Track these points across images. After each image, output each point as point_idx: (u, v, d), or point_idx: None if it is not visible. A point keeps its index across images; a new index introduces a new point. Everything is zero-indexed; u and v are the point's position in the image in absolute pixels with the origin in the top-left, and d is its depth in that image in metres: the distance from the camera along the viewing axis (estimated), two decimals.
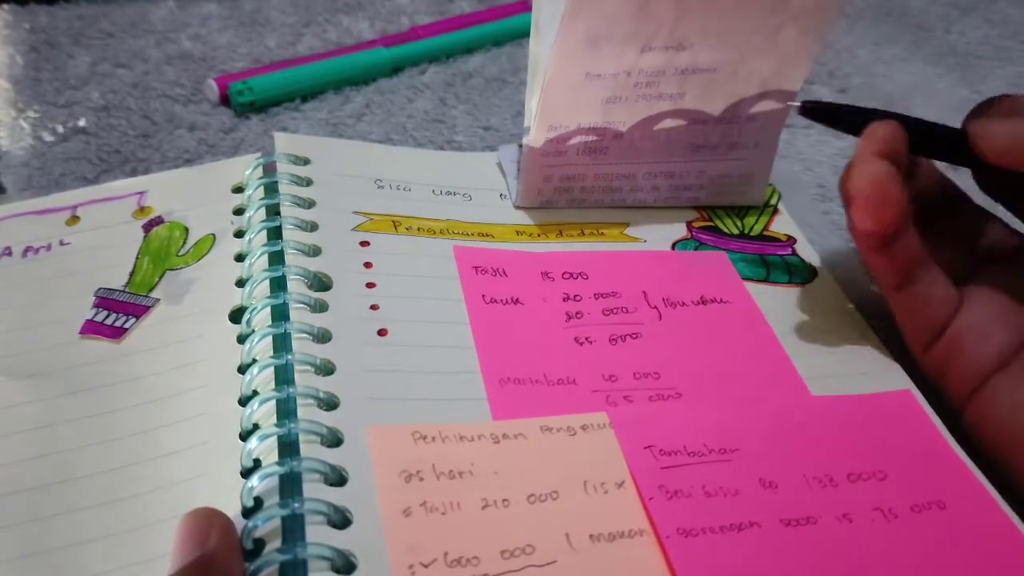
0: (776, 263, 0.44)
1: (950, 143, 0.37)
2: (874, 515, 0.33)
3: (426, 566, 0.29)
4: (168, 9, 0.65)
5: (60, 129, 0.52)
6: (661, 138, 0.44)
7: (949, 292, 0.37)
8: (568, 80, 0.40)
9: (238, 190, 0.44)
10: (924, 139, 0.37)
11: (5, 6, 0.63)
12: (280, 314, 0.36)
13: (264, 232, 0.40)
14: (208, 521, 0.29)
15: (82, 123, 0.53)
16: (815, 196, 0.52)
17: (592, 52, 0.39)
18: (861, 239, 0.36)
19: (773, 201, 0.48)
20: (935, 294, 0.37)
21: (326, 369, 0.35)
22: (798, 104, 0.39)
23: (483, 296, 0.40)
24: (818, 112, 0.39)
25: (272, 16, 0.65)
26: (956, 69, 0.65)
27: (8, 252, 0.41)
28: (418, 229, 0.43)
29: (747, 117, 0.44)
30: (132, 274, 0.41)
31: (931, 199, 0.40)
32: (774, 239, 0.46)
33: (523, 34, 0.65)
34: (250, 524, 0.30)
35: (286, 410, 0.33)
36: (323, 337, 0.36)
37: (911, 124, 0.37)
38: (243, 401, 0.34)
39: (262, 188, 0.43)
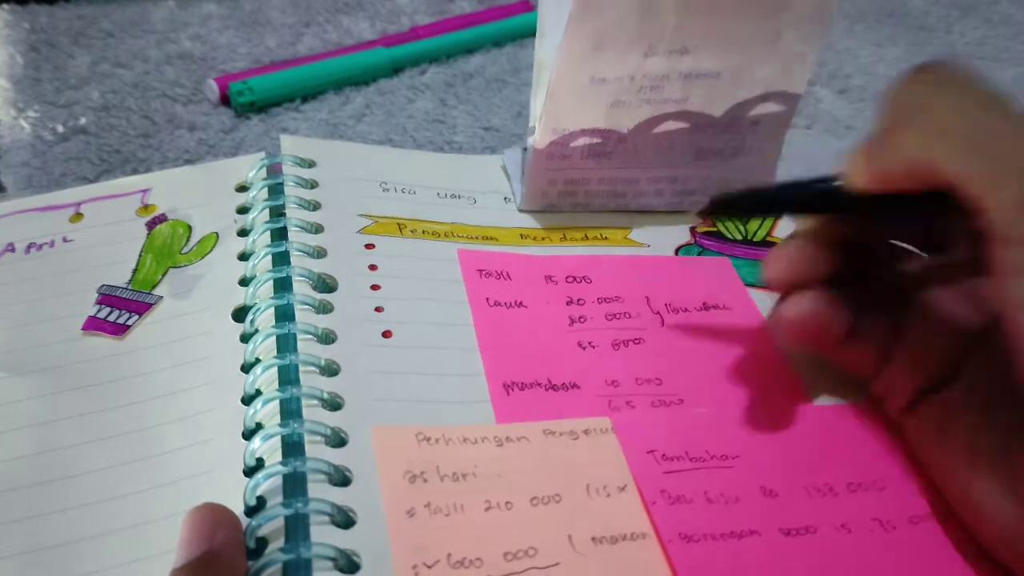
0: None
1: (830, 194, 0.34)
2: (872, 526, 0.33)
3: (430, 567, 0.29)
4: (168, 9, 0.65)
5: (60, 129, 0.52)
6: (665, 143, 0.44)
7: (880, 336, 0.36)
8: (573, 84, 0.40)
9: (242, 189, 0.44)
10: (807, 201, 0.35)
11: (5, 6, 0.63)
12: (284, 314, 0.36)
13: (268, 233, 0.40)
14: (215, 516, 0.29)
15: (82, 123, 0.53)
16: None
17: (596, 56, 0.39)
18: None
19: None
20: (861, 349, 0.36)
21: (330, 370, 0.35)
22: (697, 211, 0.37)
23: (487, 299, 0.40)
24: (720, 211, 0.37)
25: (272, 16, 0.65)
26: None
27: (11, 248, 0.41)
28: (423, 232, 0.43)
29: (750, 122, 0.44)
30: (135, 271, 0.41)
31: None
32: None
33: (523, 34, 0.65)
34: (253, 523, 0.30)
35: (289, 410, 0.33)
36: (327, 338, 0.36)
37: (803, 196, 0.35)
38: (246, 400, 0.34)
39: (266, 189, 0.43)
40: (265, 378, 0.34)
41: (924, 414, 0.35)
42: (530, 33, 0.65)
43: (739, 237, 0.46)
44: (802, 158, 0.54)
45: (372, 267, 0.40)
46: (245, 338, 0.37)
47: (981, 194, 0.27)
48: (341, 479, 0.31)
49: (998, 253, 0.27)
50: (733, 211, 0.37)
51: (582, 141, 0.43)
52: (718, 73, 0.41)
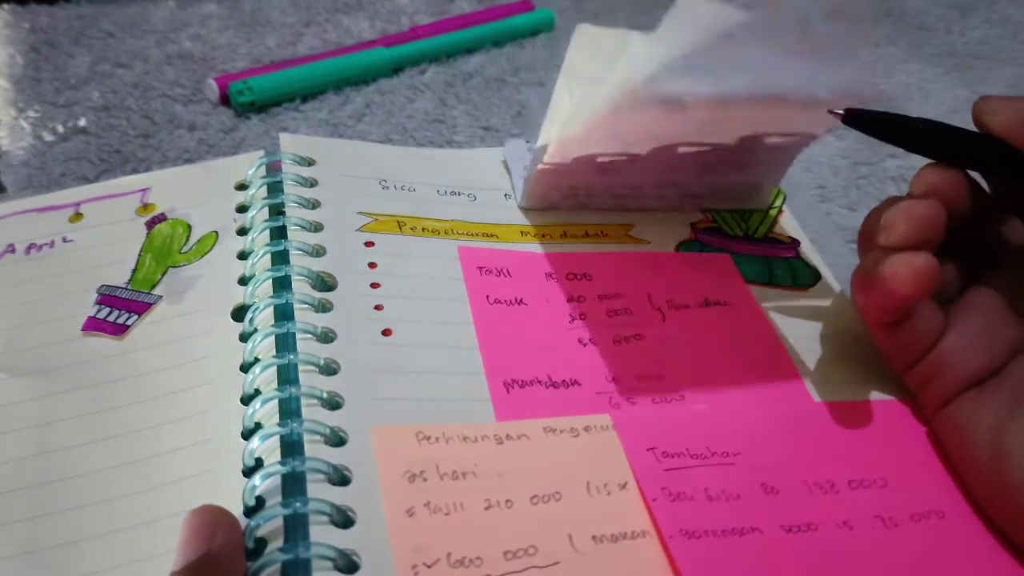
0: (780, 266, 0.44)
1: (975, 147, 0.36)
2: (874, 523, 0.33)
3: (429, 566, 0.29)
4: (168, 9, 0.65)
5: (60, 129, 0.52)
6: (673, 160, 0.43)
7: (936, 320, 0.36)
8: (586, 128, 0.39)
9: (241, 187, 0.44)
10: (951, 148, 0.36)
11: (5, 6, 0.63)
12: (283, 314, 0.36)
13: (267, 232, 0.40)
14: (214, 518, 0.29)
15: (82, 123, 0.53)
16: (815, 196, 0.52)
17: (616, 125, 0.38)
18: (871, 312, 0.36)
19: (778, 203, 0.48)
20: (922, 326, 0.36)
21: (329, 369, 0.35)
22: (841, 112, 0.37)
23: (487, 297, 0.40)
24: (861, 121, 0.37)
25: (272, 16, 0.65)
26: (956, 70, 0.66)
27: (12, 249, 0.41)
28: (423, 229, 0.43)
29: (766, 147, 0.43)
30: (134, 271, 0.41)
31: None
32: (778, 242, 0.46)
33: (523, 34, 0.65)
34: (252, 523, 0.30)
35: (288, 410, 0.33)
36: (326, 337, 0.36)
37: (942, 133, 0.36)
38: (245, 400, 0.34)
39: (265, 187, 0.43)
40: (264, 377, 0.34)
41: (967, 410, 0.35)
42: (530, 33, 0.66)
43: (740, 233, 0.46)
44: (801, 157, 0.54)
45: (372, 265, 0.40)
46: (244, 337, 0.37)
47: None
48: (340, 479, 0.31)
49: None
50: (870, 127, 0.37)
51: (591, 160, 0.42)
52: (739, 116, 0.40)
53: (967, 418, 0.35)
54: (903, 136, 0.37)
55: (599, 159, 0.42)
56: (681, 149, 0.42)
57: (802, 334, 0.41)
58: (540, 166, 0.42)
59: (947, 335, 0.36)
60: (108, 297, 0.39)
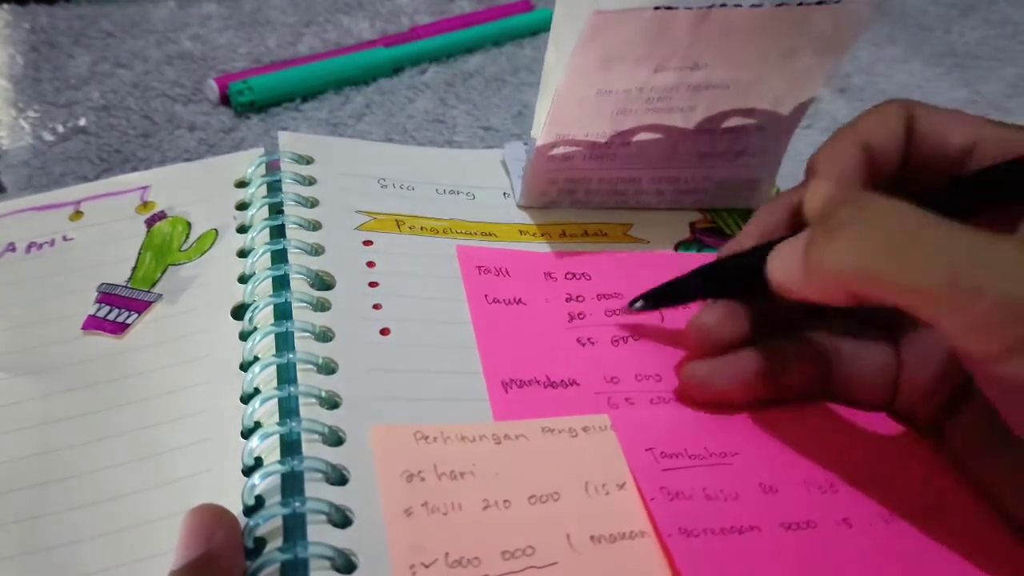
0: None
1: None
2: (874, 520, 0.33)
3: (427, 566, 0.29)
4: (168, 9, 0.65)
5: (60, 129, 0.52)
6: (668, 146, 0.44)
7: (879, 357, 0.36)
8: (579, 96, 0.40)
9: (241, 185, 0.44)
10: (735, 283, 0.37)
11: (5, 6, 0.63)
12: (282, 312, 0.36)
13: (267, 230, 0.40)
14: (213, 518, 0.29)
15: (82, 123, 0.53)
16: None
17: (604, 72, 0.39)
18: None
19: None
20: (863, 371, 0.36)
21: (328, 368, 0.35)
22: (641, 304, 0.39)
23: (486, 296, 0.40)
24: (650, 301, 0.39)
25: (272, 16, 0.65)
26: (955, 69, 0.66)
27: (12, 248, 0.41)
28: (421, 228, 0.43)
29: (756, 127, 0.44)
30: (134, 269, 0.41)
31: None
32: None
33: (523, 34, 0.65)
34: (251, 523, 0.30)
35: (288, 409, 0.33)
36: (325, 336, 0.36)
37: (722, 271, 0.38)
38: (245, 399, 0.34)
39: (265, 186, 0.43)
40: (263, 376, 0.34)
41: (961, 425, 0.35)
42: (530, 33, 0.66)
43: None
44: (801, 157, 0.54)
45: (370, 264, 0.40)
46: (244, 336, 0.37)
47: (938, 317, 0.26)
48: (338, 478, 0.31)
49: (977, 373, 0.28)
50: (665, 302, 0.39)
51: (585, 145, 0.43)
52: (728, 85, 0.41)
53: (958, 430, 0.35)
54: (696, 296, 0.38)
55: (594, 142, 0.42)
56: (676, 133, 0.43)
57: None
58: (537, 146, 0.42)
59: (905, 368, 0.36)
60: (108, 295, 0.39)
